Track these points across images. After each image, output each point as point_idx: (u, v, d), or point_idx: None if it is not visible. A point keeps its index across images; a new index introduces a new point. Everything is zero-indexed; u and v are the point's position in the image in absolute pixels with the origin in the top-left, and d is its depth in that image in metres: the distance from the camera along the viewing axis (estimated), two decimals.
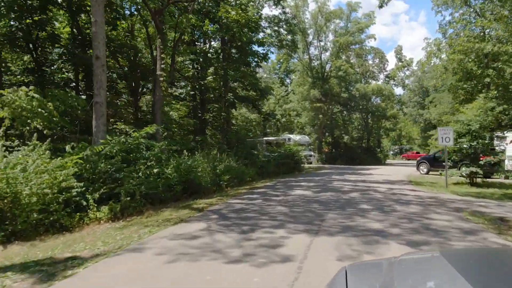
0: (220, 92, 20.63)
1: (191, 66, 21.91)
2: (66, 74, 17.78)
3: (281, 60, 52.50)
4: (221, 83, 20.59)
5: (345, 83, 37.42)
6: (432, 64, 24.29)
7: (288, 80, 53.13)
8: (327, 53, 40.75)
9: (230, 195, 11.29)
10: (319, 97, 37.66)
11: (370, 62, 47.59)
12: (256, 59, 22.47)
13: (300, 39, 38.01)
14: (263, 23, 23.15)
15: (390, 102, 37.24)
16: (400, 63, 46.21)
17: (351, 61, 40.99)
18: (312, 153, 38.62)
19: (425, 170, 21.37)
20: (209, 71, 19.53)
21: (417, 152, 68.28)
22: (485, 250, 3.05)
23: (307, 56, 40.63)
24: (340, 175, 20.75)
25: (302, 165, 24.12)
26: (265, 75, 51.28)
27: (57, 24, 17.96)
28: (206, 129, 21.77)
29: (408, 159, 65.86)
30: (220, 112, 20.07)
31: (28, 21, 15.09)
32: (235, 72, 20.21)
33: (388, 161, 46.42)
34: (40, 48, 16.59)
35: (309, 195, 10.98)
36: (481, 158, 13.95)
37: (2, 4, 13.97)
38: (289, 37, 28.96)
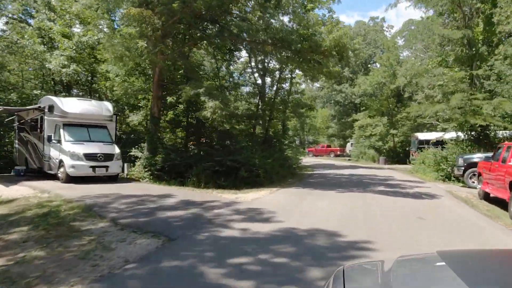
0: None
1: None
2: None
3: None
4: None
5: None
6: None
7: None
8: None
9: None
10: None
11: None
12: None
13: None
14: None
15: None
16: None
17: None
18: (117, 149, 13.26)
19: None
20: None
21: (328, 146, 49.66)
22: (483, 251, 2.67)
23: None
24: None
25: None
26: None
27: None
28: None
29: (317, 155, 46.54)
30: None
31: None
32: None
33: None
34: None
35: None
36: None
37: None
38: None
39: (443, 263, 1.54)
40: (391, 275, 1.44)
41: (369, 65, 39.73)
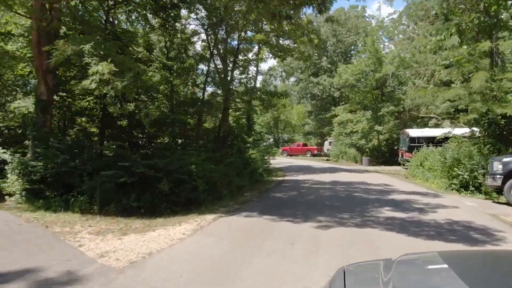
0: None
1: None
2: None
3: None
4: None
5: None
6: None
7: None
8: None
9: None
10: None
11: None
12: None
13: None
14: None
15: None
16: None
17: None
18: None
19: None
20: None
21: (304, 144, 45.04)
22: (483, 252, 2.68)
23: None
24: None
25: None
26: None
27: None
28: None
29: (291, 155, 41.86)
30: None
31: None
32: None
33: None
34: None
35: None
36: None
37: None
38: None
39: (444, 264, 1.53)
40: (391, 275, 1.41)
41: (349, 54, 35.50)
